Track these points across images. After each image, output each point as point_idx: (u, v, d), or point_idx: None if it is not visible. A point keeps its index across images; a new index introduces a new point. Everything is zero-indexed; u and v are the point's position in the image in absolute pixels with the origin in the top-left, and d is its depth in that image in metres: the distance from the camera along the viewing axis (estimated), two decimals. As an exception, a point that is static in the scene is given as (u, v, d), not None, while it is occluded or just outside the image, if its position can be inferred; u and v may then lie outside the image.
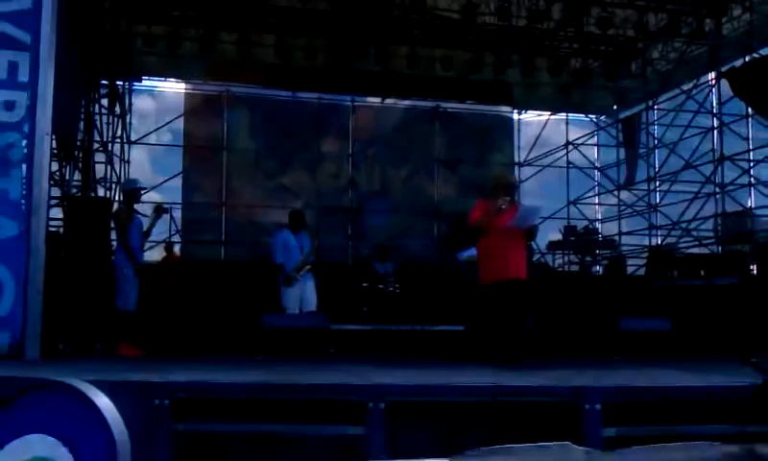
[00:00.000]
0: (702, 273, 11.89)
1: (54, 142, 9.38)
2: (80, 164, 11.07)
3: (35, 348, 6.11)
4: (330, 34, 16.00)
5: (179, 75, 17.04)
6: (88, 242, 8.13)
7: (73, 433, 3.89)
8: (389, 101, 18.35)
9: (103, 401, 4.02)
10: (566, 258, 16.41)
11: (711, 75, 15.31)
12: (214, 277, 12.35)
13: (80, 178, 11.08)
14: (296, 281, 9.26)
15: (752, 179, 14.67)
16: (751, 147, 14.92)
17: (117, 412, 4.01)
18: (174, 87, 17.61)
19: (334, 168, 17.90)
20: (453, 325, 10.44)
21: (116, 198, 10.84)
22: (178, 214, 16.19)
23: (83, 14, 9.84)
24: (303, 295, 9.28)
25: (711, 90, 15.27)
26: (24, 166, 6.32)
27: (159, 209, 8.52)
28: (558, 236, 16.05)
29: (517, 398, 4.54)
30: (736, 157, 14.66)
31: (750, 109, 14.67)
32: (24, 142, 6.33)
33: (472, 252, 10.08)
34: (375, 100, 18.41)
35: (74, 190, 10.74)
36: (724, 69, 14.61)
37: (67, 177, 10.39)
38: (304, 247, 9.45)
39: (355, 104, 18.20)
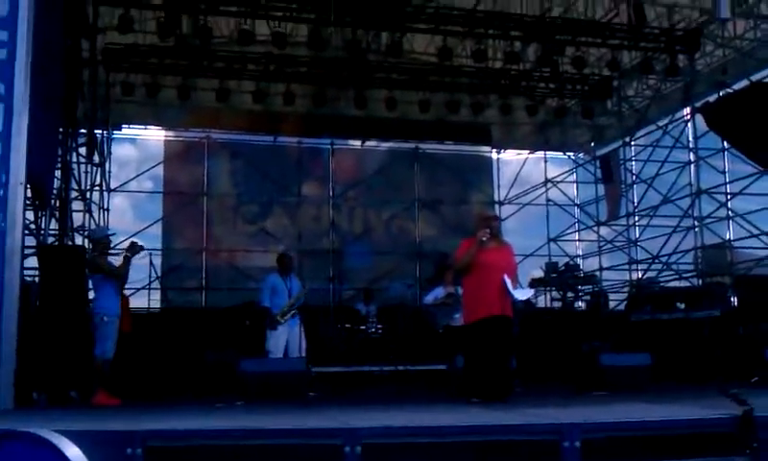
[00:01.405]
0: (682, 306, 11.93)
1: (29, 191, 9.34)
2: (56, 213, 11.00)
3: (8, 397, 6.03)
4: (309, 79, 16.12)
5: (158, 122, 17.06)
6: (64, 291, 8.02)
7: (43, 486, 3.82)
8: (368, 143, 18.50)
9: (73, 452, 3.95)
10: (549, 295, 16.43)
11: (686, 110, 15.52)
12: (195, 323, 12.26)
13: (56, 226, 11.00)
14: (281, 325, 9.23)
15: (729, 211, 14.79)
16: (727, 180, 15.09)
17: (88, 463, 3.95)
18: (154, 135, 17.66)
19: (315, 211, 17.97)
20: (435, 364, 10.40)
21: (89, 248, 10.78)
22: (158, 261, 16.10)
23: (58, 64, 9.84)
24: (289, 339, 9.23)
25: (687, 125, 15.47)
26: (-2, 216, 6.27)
27: (134, 247, 8.43)
28: (539, 273, 16.08)
29: (497, 436, 4.50)
30: (713, 191, 14.81)
31: (725, 143, 14.89)
32: (-2, 191, 6.29)
33: (437, 293, 10.16)
34: (355, 143, 18.56)
35: (51, 239, 10.65)
36: (698, 105, 14.85)
37: (43, 226, 10.31)
38: (293, 290, 9.42)
39: (335, 147, 18.34)
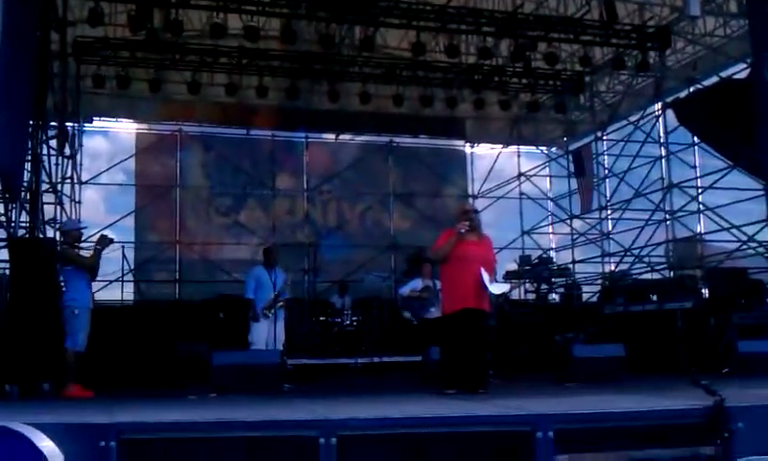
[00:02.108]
0: (654, 298, 12.06)
1: (-1, 184, 9.21)
2: (27, 206, 10.85)
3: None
4: (282, 72, 16.06)
5: (130, 115, 16.92)
6: (35, 283, 7.92)
7: (15, 478, 3.79)
8: (343, 137, 18.48)
9: (46, 445, 3.92)
10: (523, 288, 16.54)
11: (657, 106, 15.69)
12: (168, 316, 12.19)
13: (27, 219, 10.85)
14: (266, 318, 9.27)
15: (700, 205, 14.98)
16: (698, 174, 15.29)
17: (62, 455, 3.92)
18: (125, 127, 17.49)
19: (289, 204, 17.93)
20: (410, 355, 10.44)
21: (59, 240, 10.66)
22: (130, 254, 15.95)
23: (28, 57, 9.70)
24: (273, 332, 9.23)
25: (658, 120, 15.64)
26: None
27: (103, 239, 8.34)
28: (513, 266, 16.19)
29: (471, 428, 4.53)
30: (684, 185, 15.00)
31: (695, 138, 15.08)
32: (-34, 184, 6.18)
33: (414, 285, 10.17)
34: (329, 136, 18.52)
35: (22, 231, 10.51)
36: (669, 100, 15.02)
37: (14, 219, 10.16)
38: (277, 283, 9.45)
39: (309, 140, 18.29)
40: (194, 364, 8.83)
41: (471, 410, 5.09)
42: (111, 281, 14.39)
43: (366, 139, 18.65)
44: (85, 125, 16.44)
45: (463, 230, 7.04)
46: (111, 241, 8.65)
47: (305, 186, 18.06)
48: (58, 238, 9.73)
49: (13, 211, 10.26)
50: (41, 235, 10.95)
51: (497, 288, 7.23)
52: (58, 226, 11.69)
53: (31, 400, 7.14)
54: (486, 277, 6.90)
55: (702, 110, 13.96)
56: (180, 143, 17.29)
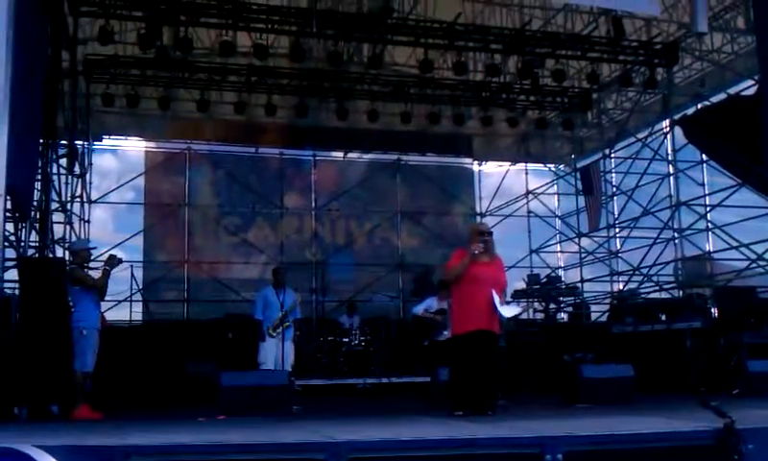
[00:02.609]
0: (663, 317, 12.01)
1: (9, 203, 9.24)
2: (36, 225, 10.89)
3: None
4: (290, 90, 16.14)
5: (139, 133, 17.00)
6: (45, 303, 7.92)
7: (24, 501, 3.79)
8: (350, 155, 18.53)
9: (55, 468, 3.92)
10: (531, 307, 16.50)
11: (665, 123, 15.67)
12: (176, 336, 12.18)
13: (37, 238, 10.89)
14: (271, 338, 9.32)
15: (708, 223, 14.92)
16: (706, 192, 15.24)
17: (70, 478, 3.92)
18: (134, 146, 17.58)
19: (297, 222, 17.95)
20: (419, 376, 10.40)
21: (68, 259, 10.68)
22: (139, 273, 15.98)
23: (38, 75, 9.78)
24: (281, 352, 9.28)
25: (666, 137, 15.62)
26: (-23, 229, 6.19)
27: (112, 259, 8.35)
28: (521, 285, 16.15)
29: (480, 450, 4.52)
30: (693, 203, 14.94)
31: (704, 155, 15.04)
32: (-24, 204, 6.22)
33: (429, 304, 10.12)
34: (337, 154, 18.56)
35: (31, 251, 10.55)
36: (677, 117, 15.01)
37: (23, 238, 10.20)
38: (285, 303, 9.50)
39: (317, 158, 18.34)
40: (202, 384, 8.83)
41: (480, 432, 5.07)
42: (120, 301, 14.40)
43: (373, 157, 18.69)
44: (95, 143, 16.50)
45: (477, 252, 7.03)
46: (120, 261, 8.67)
47: (313, 204, 18.09)
48: (67, 258, 9.75)
49: (23, 231, 10.31)
50: (51, 255, 11.00)
51: (508, 311, 7.19)
52: (67, 245, 11.74)
53: (39, 422, 7.12)
54: (497, 299, 6.88)
55: (710, 127, 13.93)
56: (188, 161, 17.36)
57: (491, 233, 7.39)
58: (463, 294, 7.10)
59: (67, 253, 10.89)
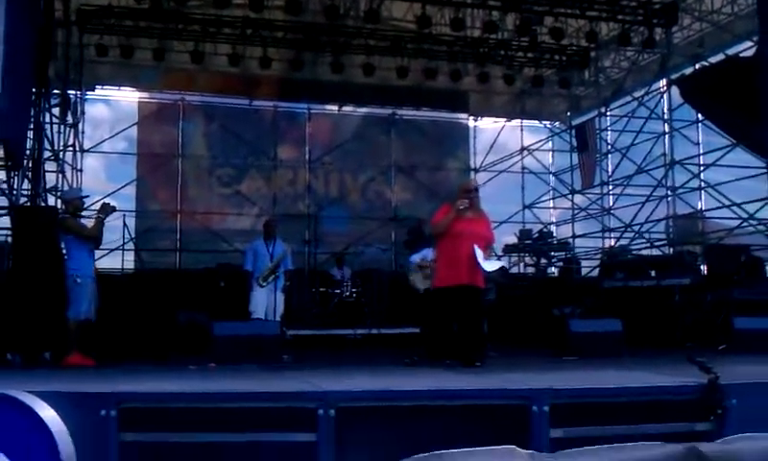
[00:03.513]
0: (653, 274, 12.08)
1: (1, 151, 9.21)
2: (29, 173, 10.86)
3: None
4: (286, 43, 15.97)
5: (132, 84, 16.83)
6: (36, 251, 7.95)
7: (17, 446, 3.84)
8: (345, 108, 18.40)
9: (48, 413, 3.97)
10: (522, 261, 16.58)
11: (662, 82, 15.60)
12: (169, 285, 12.22)
13: (29, 187, 10.87)
14: (263, 288, 9.40)
15: (702, 182, 14.96)
16: (701, 151, 15.25)
17: (63, 424, 3.97)
18: (128, 96, 17.41)
19: (291, 175, 17.90)
20: (409, 327, 10.46)
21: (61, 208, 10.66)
22: (131, 222, 15.95)
23: (32, 25, 9.67)
24: (271, 302, 9.38)
25: (662, 97, 15.57)
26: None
27: (105, 207, 8.30)
28: (513, 240, 16.21)
29: (468, 400, 4.58)
30: (686, 162, 14.96)
31: (699, 115, 15.02)
32: (-32, 151, 6.18)
33: (425, 253, 10.16)
34: (332, 108, 18.42)
35: (23, 199, 10.53)
36: (674, 77, 14.93)
37: (16, 186, 10.18)
38: (275, 255, 9.60)
39: (312, 111, 18.22)
40: (194, 333, 8.89)
41: (468, 384, 5.14)
42: (112, 250, 14.38)
43: (368, 111, 18.58)
44: (88, 93, 16.33)
45: (462, 208, 7.08)
46: (114, 209, 8.60)
47: (307, 158, 18.02)
48: (59, 207, 9.73)
49: (15, 179, 10.29)
50: (43, 203, 10.99)
51: (490, 266, 7.24)
52: (59, 194, 11.71)
53: (32, 368, 7.19)
54: (480, 253, 6.93)
55: (707, 88, 13.88)
56: (182, 113, 17.24)
57: (476, 190, 7.45)
58: (446, 248, 7.18)
59: (59, 202, 10.87)
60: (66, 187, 12.92)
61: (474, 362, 6.68)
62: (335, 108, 18.42)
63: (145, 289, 11.85)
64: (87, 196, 8.88)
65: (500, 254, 15.93)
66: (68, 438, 3.96)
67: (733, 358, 7.16)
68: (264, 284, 9.36)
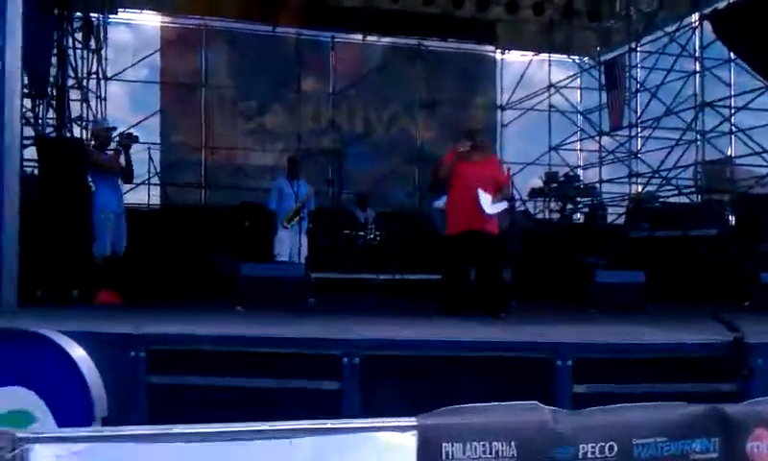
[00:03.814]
0: (680, 223, 11.93)
1: (26, 79, 9.13)
2: (54, 102, 10.83)
3: (11, 294, 6.02)
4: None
5: (154, 6, 16.56)
6: (64, 184, 7.92)
7: (49, 385, 3.92)
8: (370, 38, 18.04)
9: (78, 353, 4.05)
10: (547, 207, 16.40)
11: (695, 17, 15.13)
12: (194, 222, 12.19)
13: (54, 116, 10.85)
14: (284, 229, 9.31)
15: (732, 126, 14.65)
16: (732, 93, 14.88)
17: (93, 364, 4.04)
18: (150, 20, 17.12)
19: (314, 109, 17.70)
20: (433, 273, 10.45)
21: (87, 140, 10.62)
22: (156, 155, 15.82)
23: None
24: (296, 244, 9.33)
25: (694, 33, 15.13)
26: (-6, 105, 6.12)
27: (126, 138, 8.10)
28: (539, 183, 16.02)
29: (490, 352, 4.61)
30: (717, 104, 14.62)
31: (731, 54, 14.61)
32: (-7, 79, 6.12)
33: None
34: (356, 37, 18.08)
35: (49, 129, 10.53)
36: (707, 11, 14.47)
37: (41, 115, 10.16)
38: (299, 195, 9.41)
39: (336, 40, 17.90)
40: (220, 272, 8.95)
41: (492, 335, 5.16)
42: (138, 184, 14.41)
43: (393, 41, 18.18)
44: (110, 16, 16.12)
45: (462, 150, 6.99)
46: (134, 140, 8.47)
47: (331, 90, 17.81)
48: (86, 139, 9.69)
49: (40, 108, 10.27)
50: (68, 133, 10.98)
51: (492, 208, 7.07)
52: (87, 125, 11.64)
53: (61, 306, 7.24)
54: (483, 196, 6.82)
55: (740, 24, 13.46)
56: (204, 39, 17.01)
57: (480, 131, 7.36)
58: (453, 195, 7.14)
59: (86, 132, 10.83)
60: (91, 117, 12.90)
61: (496, 313, 6.61)
62: (359, 37, 18.07)
63: (171, 226, 11.87)
64: (114, 128, 8.76)
65: (525, 198, 15.81)
66: (99, 378, 4.04)
67: (761, 316, 7.08)
68: (289, 226, 9.28)
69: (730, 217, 12.68)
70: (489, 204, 6.91)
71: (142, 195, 14.97)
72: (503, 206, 7.19)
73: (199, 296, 8.70)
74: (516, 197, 14.82)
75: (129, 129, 10.29)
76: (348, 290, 10.91)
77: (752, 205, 12.51)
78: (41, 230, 7.47)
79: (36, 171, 8.66)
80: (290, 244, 9.23)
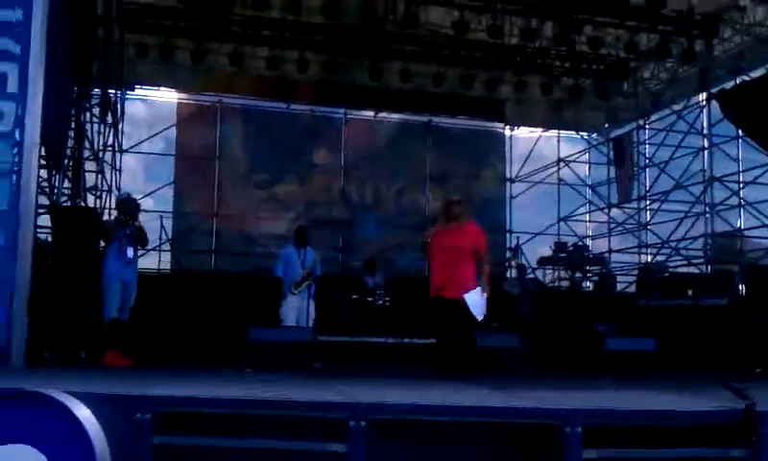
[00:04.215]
0: (689, 293, 11.92)
1: (43, 150, 9.34)
2: (69, 173, 11.04)
3: (20, 355, 6.08)
4: (323, 47, 16.05)
5: (171, 84, 17.01)
6: (76, 251, 8.07)
7: (54, 445, 3.89)
8: (381, 114, 18.40)
9: (84, 414, 4.02)
10: (557, 274, 16.42)
11: (702, 96, 15.40)
12: (204, 287, 12.31)
13: (69, 186, 11.05)
14: (292, 295, 9.42)
15: (741, 200, 14.73)
16: (740, 168, 15.01)
17: (98, 425, 4.02)
18: (166, 97, 17.61)
19: (326, 180, 17.94)
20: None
21: (106, 206, 10.75)
22: (168, 224, 16.14)
23: (74, 23, 9.83)
24: (301, 309, 9.44)
25: (702, 111, 15.36)
26: (13, 177, 6.30)
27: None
28: (548, 252, 16.08)
29: (499, 419, 4.55)
30: (726, 179, 14.74)
31: (739, 131, 14.79)
32: (13, 152, 6.31)
33: None
34: (368, 113, 18.45)
35: (63, 198, 10.71)
36: (714, 91, 14.73)
37: (57, 185, 10.36)
38: (306, 262, 9.59)
39: (348, 116, 18.25)
40: (230, 337, 8.94)
41: (501, 402, 5.11)
42: (149, 250, 14.57)
43: (404, 118, 18.56)
44: (127, 93, 16.54)
45: (428, 236, 7.49)
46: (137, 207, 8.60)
47: (342, 163, 18.05)
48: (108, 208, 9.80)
49: (56, 178, 10.46)
50: (83, 203, 11.16)
51: (473, 305, 7.21)
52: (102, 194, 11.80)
53: (68, 367, 7.27)
54: (471, 300, 7.02)
55: (747, 103, 13.69)
56: (220, 115, 17.38)
57: (456, 203, 7.55)
58: (430, 263, 7.60)
59: (106, 200, 10.96)
60: (105, 187, 13.10)
61: (447, 373, 6.81)
62: (371, 113, 18.42)
63: (180, 290, 11.97)
64: (125, 198, 8.85)
65: (535, 266, 15.85)
66: (104, 439, 4.00)
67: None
68: (297, 292, 9.38)
69: (740, 287, 12.64)
70: (477, 305, 7.10)
71: (153, 261, 15.21)
72: (481, 306, 7.30)
73: (207, 359, 8.66)
74: (526, 265, 14.88)
75: (142, 198, 10.41)
76: (357, 354, 10.87)
77: (761, 275, 12.49)
78: (53, 294, 7.54)
79: (49, 238, 8.77)
80: (297, 309, 9.31)
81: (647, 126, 17.31)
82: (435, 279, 7.33)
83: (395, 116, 18.60)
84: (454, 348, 7.15)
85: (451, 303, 7.17)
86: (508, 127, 19.32)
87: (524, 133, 19.62)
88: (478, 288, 7.25)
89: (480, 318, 7.17)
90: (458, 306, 7.21)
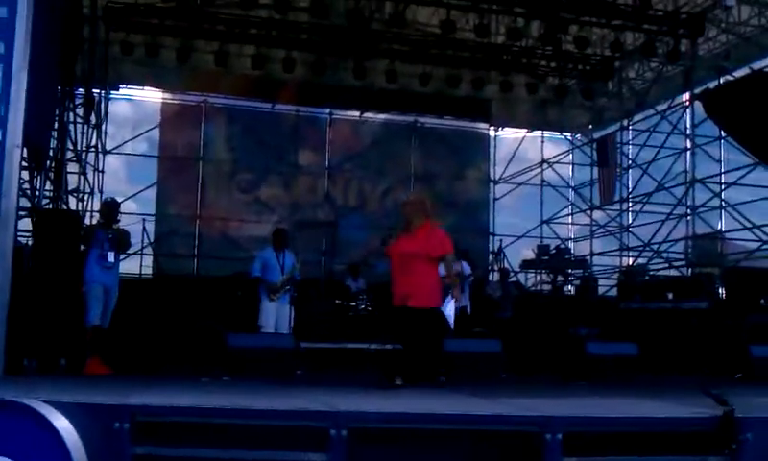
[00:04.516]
0: (670, 296, 11.97)
1: (25, 152, 9.25)
2: (51, 174, 10.94)
3: (-2, 362, 6.00)
4: (309, 46, 15.99)
5: (156, 84, 16.87)
6: (57, 256, 7.97)
7: (31, 455, 3.86)
8: (367, 115, 18.35)
9: (62, 424, 4.00)
10: (539, 278, 16.46)
11: (686, 96, 15.45)
12: (186, 292, 12.21)
13: (51, 188, 10.95)
14: (270, 301, 9.20)
15: (722, 201, 14.80)
16: (723, 170, 15.08)
17: (77, 435, 3.99)
18: (151, 96, 17.45)
19: (310, 182, 17.87)
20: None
21: (88, 209, 10.64)
22: (151, 226, 16.01)
23: (59, 21, 9.74)
24: (280, 315, 9.21)
25: (685, 111, 15.42)
26: (-8, 178, 6.19)
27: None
28: (531, 255, 16.11)
29: (481, 426, 4.56)
30: (708, 180, 14.81)
31: (722, 132, 14.86)
32: (-7, 154, 6.21)
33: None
34: (353, 113, 18.40)
35: (45, 201, 10.61)
36: (698, 91, 14.78)
37: (38, 187, 10.26)
38: (285, 266, 9.32)
39: (333, 117, 18.19)
40: (209, 343, 8.87)
41: (482, 409, 5.11)
42: (131, 254, 14.47)
43: (390, 118, 18.51)
44: (111, 92, 16.39)
45: (387, 245, 7.12)
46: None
47: (327, 164, 18.00)
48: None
49: (38, 180, 10.37)
50: (64, 205, 11.07)
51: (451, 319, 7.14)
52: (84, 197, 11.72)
53: (48, 375, 7.21)
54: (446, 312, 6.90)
55: (730, 103, 13.74)
56: (204, 115, 17.28)
57: (409, 203, 7.24)
58: (391, 270, 7.14)
59: (89, 203, 10.87)
60: (88, 189, 13.00)
61: (418, 381, 6.57)
62: (356, 113, 18.38)
63: (161, 295, 11.87)
64: (108, 201, 8.78)
65: (517, 269, 15.87)
66: (82, 449, 3.98)
67: (750, 389, 7.03)
68: (275, 298, 9.21)
69: (720, 290, 12.71)
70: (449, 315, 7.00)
71: (135, 264, 15.05)
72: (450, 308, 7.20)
73: (186, 366, 8.59)
74: (508, 268, 14.92)
75: (125, 200, 10.34)
76: (338, 360, 10.81)
77: (741, 278, 12.56)
78: (33, 299, 7.46)
79: (29, 242, 8.68)
80: (275, 315, 9.10)
81: (630, 127, 17.36)
82: (397, 287, 6.92)
83: (380, 116, 18.54)
84: (422, 357, 6.90)
85: (419, 312, 6.86)
86: (493, 128, 19.33)
87: (509, 134, 19.67)
88: (448, 298, 7.10)
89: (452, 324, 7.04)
90: (426, 315, 6.96)
